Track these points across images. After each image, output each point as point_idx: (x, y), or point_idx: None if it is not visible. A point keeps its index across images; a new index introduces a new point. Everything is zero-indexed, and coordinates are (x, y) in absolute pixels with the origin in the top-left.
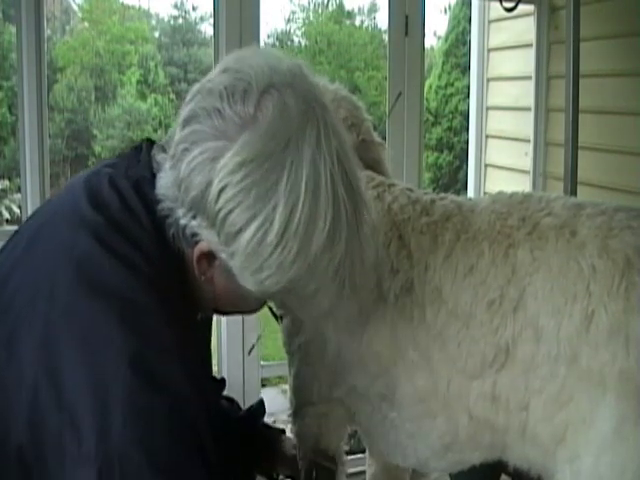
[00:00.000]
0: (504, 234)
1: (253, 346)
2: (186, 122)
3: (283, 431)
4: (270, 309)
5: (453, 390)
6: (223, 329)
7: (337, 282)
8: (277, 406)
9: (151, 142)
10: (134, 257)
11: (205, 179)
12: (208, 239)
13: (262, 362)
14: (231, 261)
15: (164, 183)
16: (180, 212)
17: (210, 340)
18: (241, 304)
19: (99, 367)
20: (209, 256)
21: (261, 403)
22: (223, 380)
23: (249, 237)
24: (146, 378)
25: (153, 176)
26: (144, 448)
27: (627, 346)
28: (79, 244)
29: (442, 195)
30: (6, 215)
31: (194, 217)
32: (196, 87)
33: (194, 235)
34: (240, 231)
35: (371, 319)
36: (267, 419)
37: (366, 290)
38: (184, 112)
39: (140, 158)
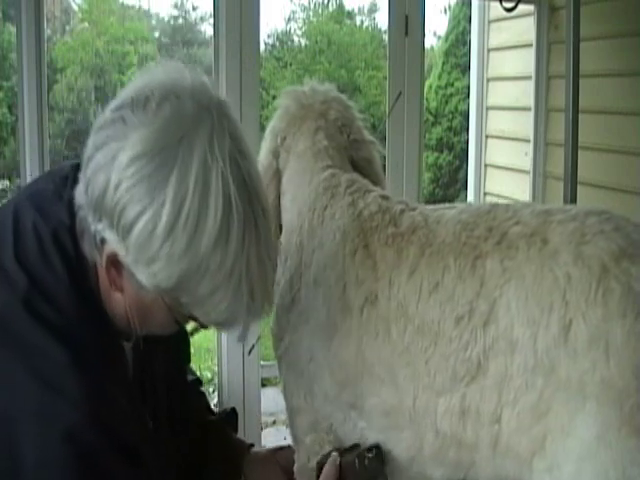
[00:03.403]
0: (470, 245)
1: (253, 346)
2: (96, 131)
3: (252, 445)
4: None
5: (419, 406)
6: None
7: (233, 284)
8: (277, 406)
9: (77, 166)
10: (49, 314)
11: (105, 177)
12: (110, 239)
13: (262, 362)
14: (127, 257)
15: (78, 192)
16: (90, 217)
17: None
18: (150, 318)
19: (8, 414)
20: (116, 262)
21: (232, 412)
22: (232, 412)
23: (140, 229)
24: (53, 427)
25: (72, 218)
26: None
27: (607, 353)
28: (1, 300)
29: (414, 205)
30: None
31: (100, 219)
32: (115, 101)
33: (102, 241)
34: (132, 224)
35: (338, 328)
36: (267, 419)
37: (271, 297)
38: (97, 122)
39: (63, 194)
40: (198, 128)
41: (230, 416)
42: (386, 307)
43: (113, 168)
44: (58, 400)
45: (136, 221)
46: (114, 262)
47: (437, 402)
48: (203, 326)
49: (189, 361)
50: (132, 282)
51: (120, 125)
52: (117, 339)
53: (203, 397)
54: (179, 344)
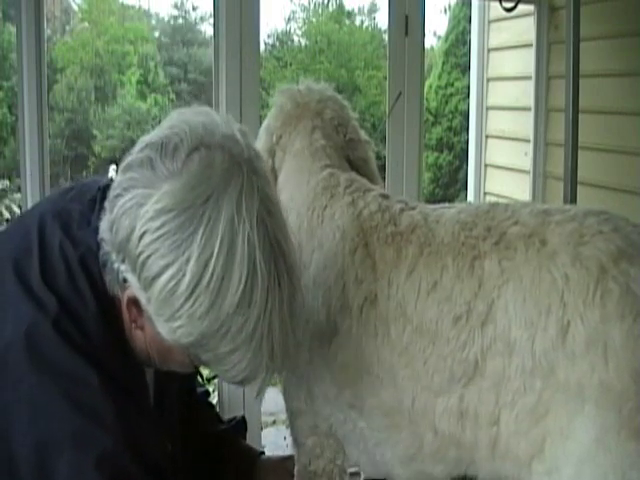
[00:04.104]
0: (469, 245)
1: None
2: (124, 169)
3: (262, 453)
4: None
5: (418, 406)
6: None
7: (254, 346)
8: (277, 406)
9: (105, 190)
10: (76, 336)
11: (131, 223)
12: (132, 283)
13: None
14: (149, 306)
15: (103, 227)
16: (114, 256)
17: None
18: (169, 358)
19: (43, 439)
20: (137, 304)
21: (243, 421)
22: (242, 420)
23: (163, 285)
24: (89, 452)
25: (97, 247)
26: None
27: (606, 355)
28: (26, 313)
29: (414, 204)
30: (6, 215)
31: (123, 261)
32: (146, 137)
33: (125, 280)
34: (155, 278)
35: (338, 329)
36: (267, 419)
37: (290, 355)
38: (126, 159)
39: (91, 220)
40: (227, 187)
41: (240, 424)
42: (385, 307)
43: (138, 216)
44: (91, 424)
45: (159, 276)
46: (135, 304)
47: (435, 402)
48: None
49: (197, 372)
50: (152, 326)
51: (148, 171)
52: (139, 365)
53: (213, 408)
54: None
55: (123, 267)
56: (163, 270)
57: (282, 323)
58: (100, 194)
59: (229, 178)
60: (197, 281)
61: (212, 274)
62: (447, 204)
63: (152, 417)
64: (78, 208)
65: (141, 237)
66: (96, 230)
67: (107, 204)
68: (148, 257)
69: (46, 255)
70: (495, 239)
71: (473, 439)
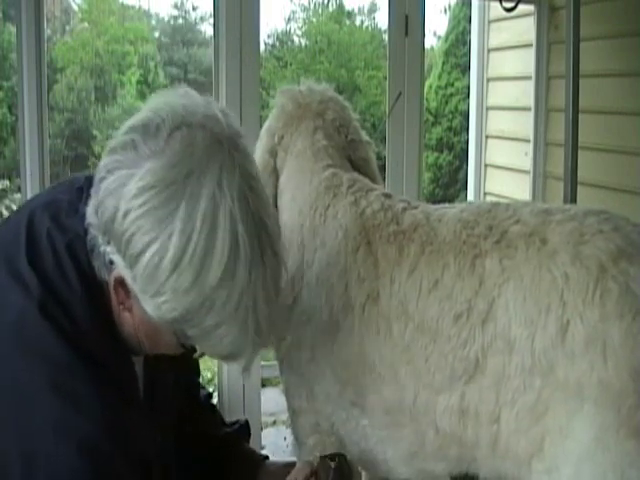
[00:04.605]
0: (470, 244)
1: None
2: (109, 152)
3: (266, 457)
4: None
5: (419, 404)
6: None
7: (239, 320)
8: (277, 406)
9: (91, 179)
10: (63, 320)
11: (115, 203)
12: (118, 263)
13: (262, 362)
14: (135, 285)
15: (89, 211)
16: (100, 239)
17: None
18: (158, 340)
19: (26, 424)
20: (124, 285)
21: (246, 424)
22: (246, 424)
23: (147, 260)
24: (70, 440)
25: (85, 233)
26: None
27: (605, 354)
28: (15, 302)
29: (416, 204)
30: (6, 215)
31: (108, 242)
32: (129, 121)
33: (111, 262)
34: (140, 254)
35: (340, 326)
36: (267, 419)
37: (276, 330)
38: (111, 143)
39: (79, 208)
40: (209, 163)
41: (243, 428)
42: (387, 305)
43: (122, 195)
44: (75, 413)
45: (143, 252)
46: (122, 284)
47: (437, 400)
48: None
49: (199, 374)
50: (139, 306)
51: (131, 152)
52: (128, 354)
53: (217, 411)
54: (188, 357)
55: (109, 249)
56: (147, 246)
57: (267, 297)
58: (87, 182)
59: (210, 155)
60: (180, 255)
61: (195, 248)
62: (447, 204)
63: (140, 407)
64: (66, 198)
65: (125, 215)
66: (84, 217)
67: (93, 189)
68: (132, 235)
69: (34, 242)
70: (496, 238)
71: (474, 437)
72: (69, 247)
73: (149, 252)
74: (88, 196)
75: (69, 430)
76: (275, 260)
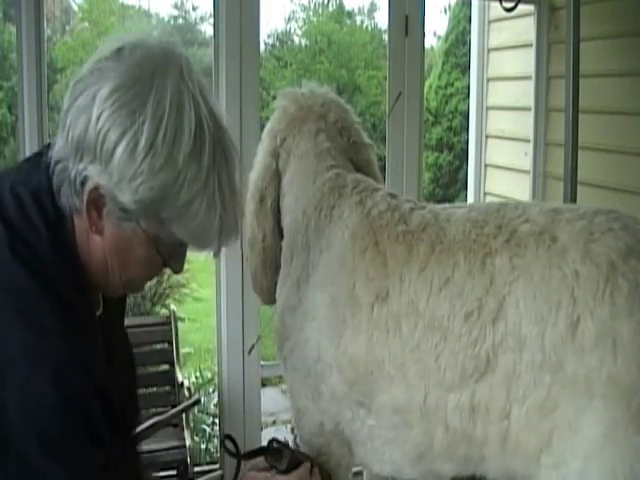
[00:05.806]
0: (480, 243)
1: (253, 346)
2: (72, 87)
3: None
4: None
5: (430, 403)
6: (223, 329)
7: (207, 195)
8: (277, 406)
9: (49, 145)
10: (32, 261)
11: (86, 116)
12: (92, 174)
13: (262, 362)
14: (110, 182)
15: (56, 149)
16: (70, 163)
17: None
18: (130, 255)
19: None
20: (97, 200)
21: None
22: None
23: (122, 148)
24: (41, 369)
25: (50, 182)
26: (37, 433)
27: (614, 351)
28: None
29: (422, 204)
30: None
31: (81, 158)
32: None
33: (83, 181)
34: (115, 146)
35: (348, 325)
36: (267, 419)
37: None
38: (71, 81)
39: (40, 163)
40: (170, 63)
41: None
42: (397, 303)
43: (94, 104)
44: (44, 341)
45: (119, 142)
46: (95, 200)
47: (447, 398)
48: (176, 272)
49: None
50: (112, 218)
51: (97, 73)
52: (91, 297)
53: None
54: (131, 363)
55: (81, 165)
56: (122, 136)
57: (229, 178)
58: (45, 147)
59: (170, 56)
60: (154, 137)
61: (166, 129)
62: (447, 204)
63: (100, 349)
64: (26, 164)
65: (98, 118)
66: (46, 168)
67: (58, 130)
68: (107, 131)
69: None
70: (506, 237)
71: (484, 434)
72: (34, 196)
73: (125, 140)
74: (49, 150)
75: (38, 358)
76: (233, 147)
